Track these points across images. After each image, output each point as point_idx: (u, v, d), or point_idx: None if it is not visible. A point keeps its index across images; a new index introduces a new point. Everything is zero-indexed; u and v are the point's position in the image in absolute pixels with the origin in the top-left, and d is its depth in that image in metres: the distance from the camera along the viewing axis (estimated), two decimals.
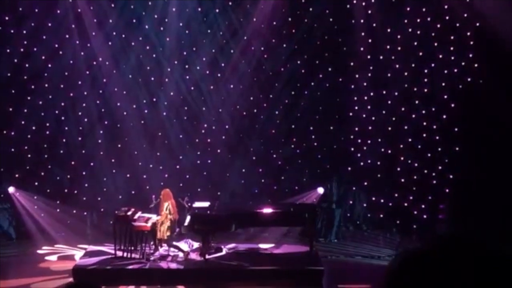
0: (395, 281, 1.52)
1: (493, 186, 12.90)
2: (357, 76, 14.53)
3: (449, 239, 1.56)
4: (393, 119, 14.53)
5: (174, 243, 11.81)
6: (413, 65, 14.31)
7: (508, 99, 12.89)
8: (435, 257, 1.50)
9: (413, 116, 14.41)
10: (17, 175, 13.95)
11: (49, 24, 13.89)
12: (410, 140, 14.50)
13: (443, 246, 1.53)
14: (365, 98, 14.51)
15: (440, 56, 14.20)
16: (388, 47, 14.36)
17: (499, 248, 1.52)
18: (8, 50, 13.80)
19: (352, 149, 14.70)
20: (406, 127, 14.49)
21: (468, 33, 13.94)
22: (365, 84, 14.49)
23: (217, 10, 14.40)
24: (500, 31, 12.70)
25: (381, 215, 14.67)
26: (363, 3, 14.21)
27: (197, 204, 12.18)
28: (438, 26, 14.07)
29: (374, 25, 14.30)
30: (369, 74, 14.48)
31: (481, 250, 1.49)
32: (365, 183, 14.72)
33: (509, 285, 1.42)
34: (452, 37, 14.09)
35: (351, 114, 14.68)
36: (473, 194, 13.27)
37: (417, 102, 14.39)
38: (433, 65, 14.29)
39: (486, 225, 11.81)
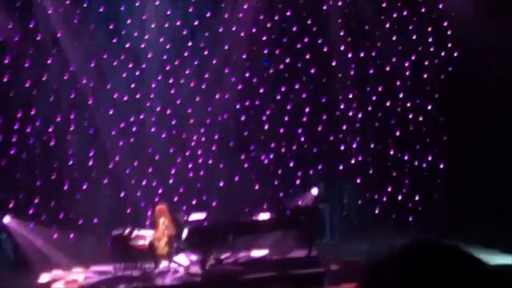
0: None
1: (484, 172, 12.98)
2: (340, 75, 14.64)
3: (416, 246, 1.59)
4: (379, 114, 14.65)
5: (174, 258, 11.83)
6: (393, 59, 14.45)
7: (491, 85, 13.00)
8: (402, 266, 1.53)
9: (399, 109, 14.54)
10: (11, 205, 13.93)
11: (30, 52, 13.93)
12: (398, 133, 14.63)
13: (410, 255, 1.57)
14: (350, 96, 14.63)
15: (420, 49, 14.34)
16: (367, 44, 14.50)
17: (467, 253, 1.54)
18: None
19: (342, 147, 14.80)
20: (392, 121, 14.61)
21: (445, 23, 14.09)
22: (348, 82, 14.61)
23: (196, 23, 14.48)
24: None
25: (376, 211, 14.74)
26: (339, 3, 14.35)
27: (194, 216, 12.17)
28: (415, 19, 14.22)
29: (352, 24, 14.45)
30: (352, 72, 14.60)
31: (448, 257, 1.52)
32: (358, 180, 14.81)
33: None
34: (429, 29, 14.24)
35: (338, 113, 14.78)
36: (465, 181, 13.35)
37: (401, 95, 14.53)
38: (413, 57, 14.43)
39: (479, 213, 11.89)
